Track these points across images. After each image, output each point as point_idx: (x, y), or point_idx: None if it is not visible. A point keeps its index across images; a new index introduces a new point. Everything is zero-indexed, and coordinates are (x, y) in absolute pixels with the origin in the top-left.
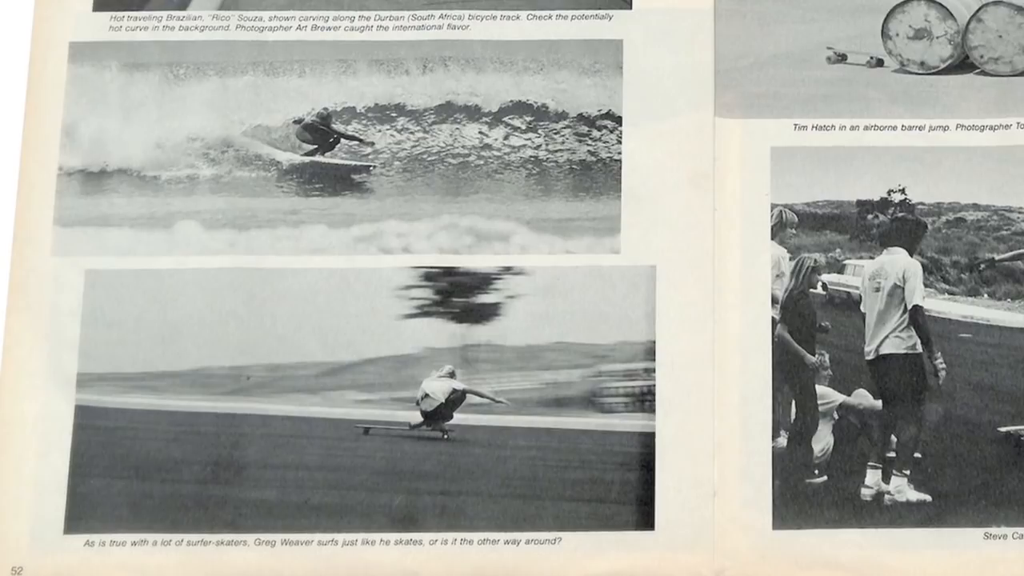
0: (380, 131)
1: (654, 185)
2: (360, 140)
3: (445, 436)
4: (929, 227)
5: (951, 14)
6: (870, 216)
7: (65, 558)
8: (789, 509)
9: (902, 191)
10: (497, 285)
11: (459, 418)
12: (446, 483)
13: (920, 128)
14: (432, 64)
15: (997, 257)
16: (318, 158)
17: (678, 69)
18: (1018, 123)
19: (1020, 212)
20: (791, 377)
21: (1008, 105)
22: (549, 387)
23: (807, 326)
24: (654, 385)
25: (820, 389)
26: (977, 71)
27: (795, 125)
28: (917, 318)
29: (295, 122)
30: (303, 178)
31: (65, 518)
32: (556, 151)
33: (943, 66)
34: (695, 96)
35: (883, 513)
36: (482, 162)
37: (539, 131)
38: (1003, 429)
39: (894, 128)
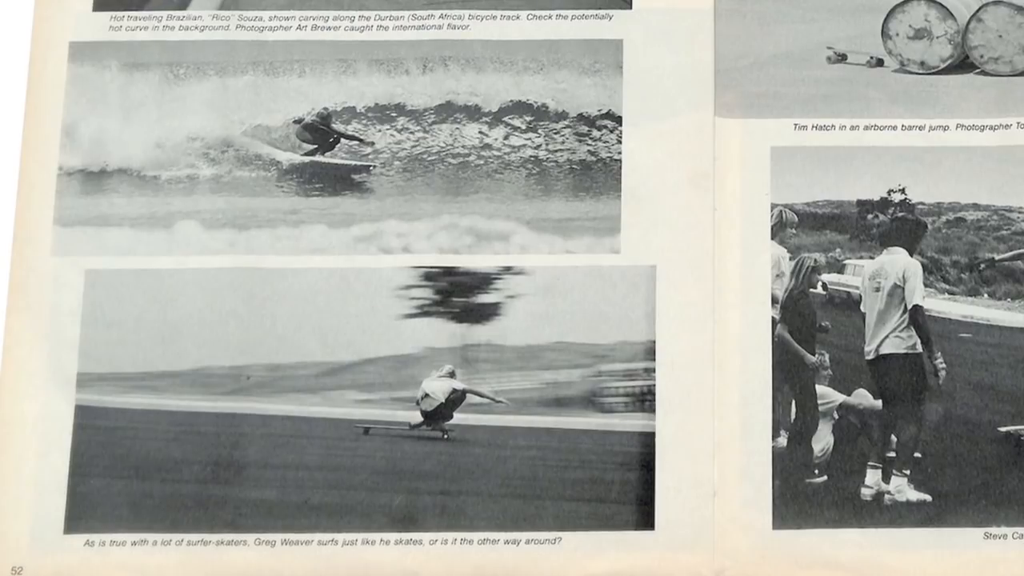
0: (380, 131)
1: (654, 185)
2: (360, 140)
3: (445, 436)
4: (929, 227)
5: (951, 14)
6: (870, 216)
7: (65, 558)
8: (789, 509)
9: (902, 191)
10: (497, 285)
11: (459, 418)
12: (446, 483)
13: (920, 128)
14: (432, 64)
15: (997, 257)
16: (318, 158)
17: (678, 69)
18: (1018, 123)
19: (1020, 212)
20: (791, 377)
21: (1008, 105)
22: (549, 387)
23: (807, 326)
24: (654, 385)
25: (820, 389)
26: (977, 71)
27: (795, 125)
28: (917, 318)
29: (295, 122)
30: (303, 178)
31: (65, 518)
32: (556, 151)
33: (943, 66)
34: (695, 96)
35: (883, 513)
36: (482, 162)
37: (539, 131)
38: (1003, 429)
39: (894, 128)
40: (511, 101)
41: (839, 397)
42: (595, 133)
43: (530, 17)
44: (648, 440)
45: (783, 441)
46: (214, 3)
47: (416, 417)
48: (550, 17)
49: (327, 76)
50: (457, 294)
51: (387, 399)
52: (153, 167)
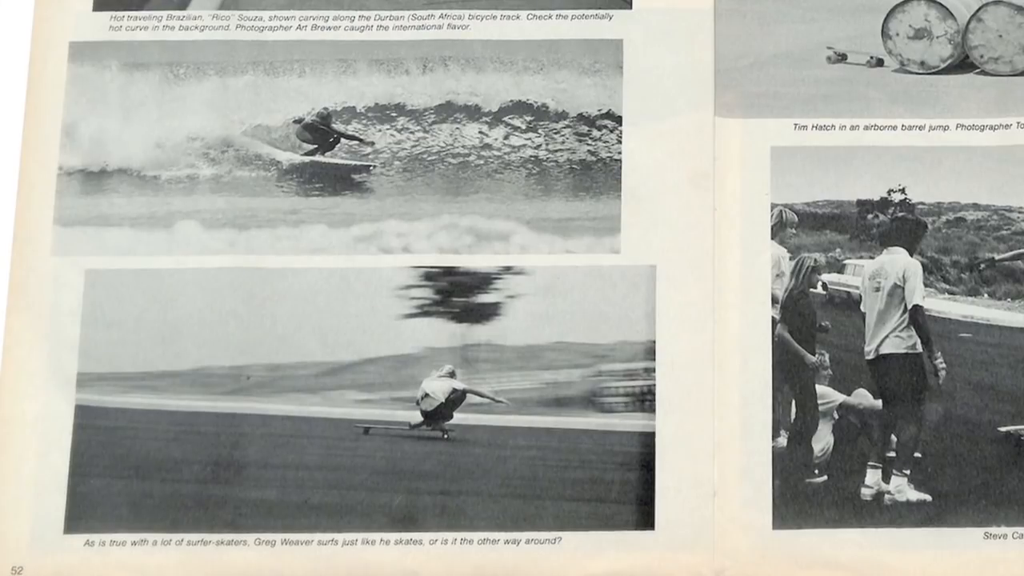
0: (380, 131)
1: (654, 185)
2: (360, 140)
3: (445, 436)
4: (929, 227)
5: (951, 14)
6: (870, 216)
7: (65, 558)
8: (789, 509)
9: (902, 191)
10: (497, 285)
11: (459, 418)
12: (446, 483)
13: (920, 128)
14: (432, 64)
15: (997, 257)
16: (318, 158)
17: (678, 69)
18: (1018, 123)
19: (1020, 212)
20: (791, 377)
21: (1008, 105)
22: (549, 387)
23: (807, 326)
24: (654, 385)
25: (820, 389)
26: (977, 71)
27: (795, 125)
28: (917, 318)
29: (295, 122)
30: (303, 178)
31: (65, 518)
32: (556, 151)
33: (943, 66)
34: (695, 96)
35: (883, 513)
36: (482, 162)
37: (539, 131)
38: (1003, 429)
39: (894, 128)
40: (511, 101)
41: (839, 397)
42: (595, 133)
43: (530, 17)
44: (648, 440)
45: (783, 441)
46: (214, 3)
47: (416, 417)
48: (550, 17)
49: (327, 76)
50: (457, 294)
51: (387, 399)
52: (153, 167)
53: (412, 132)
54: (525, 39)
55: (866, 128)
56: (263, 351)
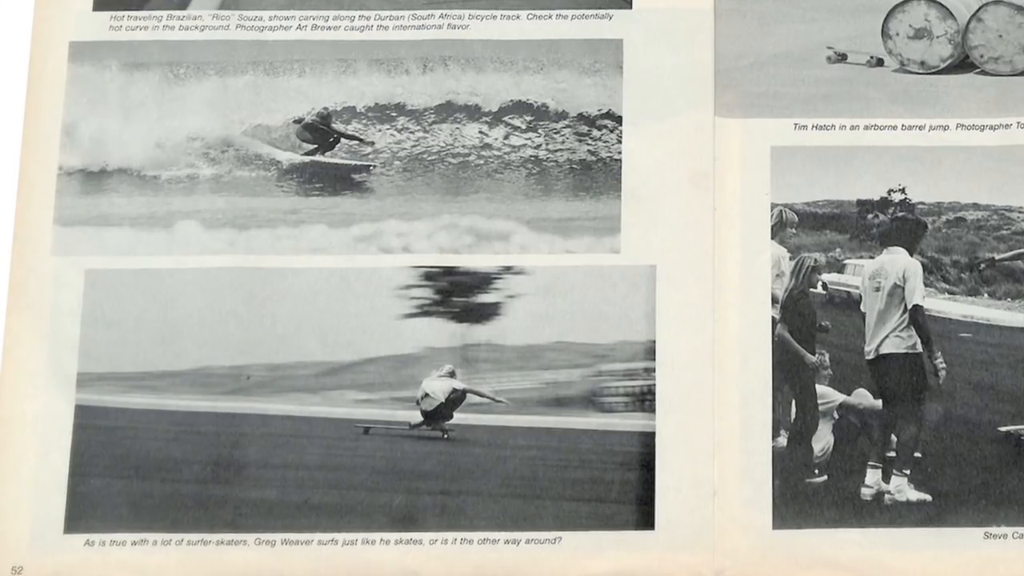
0: (380, 131)
1: (654, 185)
2: (360, 140)
3: (445, 436)
4: (929, 227)
5: (951, 14)
6: (870, 216)
7: (65, 558)
8: (789, 509)
9: (902, 191)
10: (497, 285)
11: (459, 418)
12: (446, 483)
13: (920, 128)
14: (432, 64)
15: (997, 256)
16: (318, 158)
17: (678, 69)
18: (1018, 123)
19: (1020, 212)
20: (791, 377)
21: (1008, 105)
22: (549, 387)
23: (807, 326)
24: (654, 385)
25: (820, 388)
26: (977, 71)
27: (795, 125)
28: (917, 318)
29: (295, 122)
30: (303, 178)
31: (65, 518)
32: (556, 151)
33: (943, 66)
34: (695, 96)
35: (883, 513)
36: (482, 162)
37: (539, 131)
38: (1003, 429)
39: (894, 128)
40: (511, 101)
41: (839, 397)
42: (595, 133)
43: (530, 17)
44: (648, 440)
45: (783, 441)
46: (214, 3)
47: (416, 417)
48: (550, 17)
49: (327, 76)
50: (457, 294)
51: (387, 399)
52: (153, 167)
53: (412, 132)
54: (525, 39)
55: (866, 128)
56: (263, 351)
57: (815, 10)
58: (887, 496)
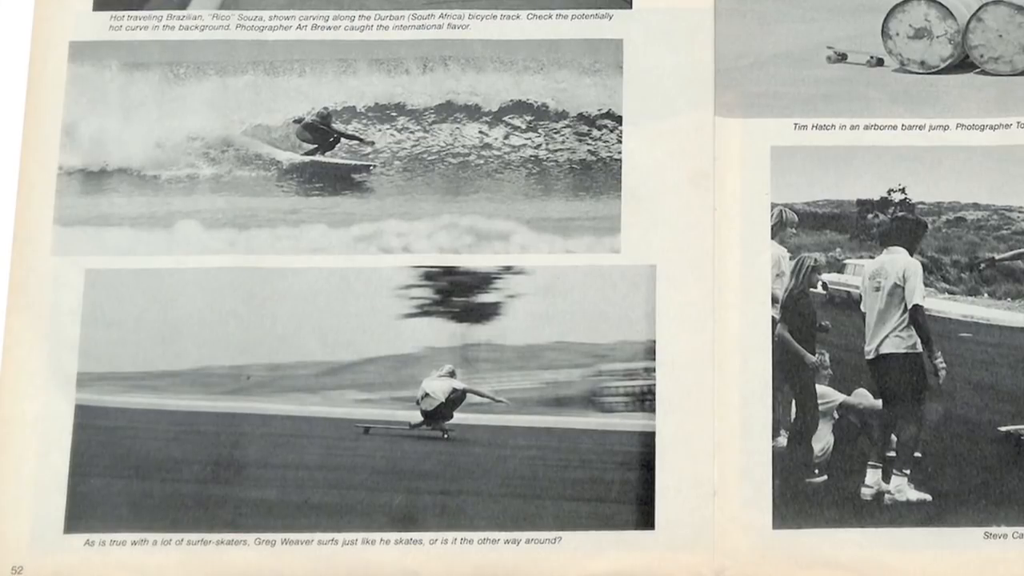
0: (380, 130)
1: (654, 184)
2: (360, 139)
3: (445, 435)
4: (929, 226)
5: (951, 13)
6: (870, 215)
7: (65, 558)
8: (789, 508)
9: (902, 190)
10: (497, 284)
11: (459, 417)
12: (446, 482)
13: (920, 127)
14: (432, 63)
15: (997, 256)
16: (318, 157)
17: (678, 68)
18: (1018, 122)
19: (1020, 211)
20: (791, 376)
21: (1008, 104)
22: (549, 386)
23: (807, 325)
24: (654, 384)
25: (820, 388)
26: (977, 70)
27: (795, 124)
28: (917, 317)
29: (295, 121)
30: (303, 177)
31: (65, 517)
32: (556, 150)
33: (943, 65)
34: (695, 95)
35: (883, 512)
36: (482, 161)
37: (539, 130)
38: (1003, 428)
39: (894, 127)
40: (511, 101)
41: (839, 397)
42: (595, 133)
43: (530, 17)
44: (648, 440)
45: (783, 441)
46: (214, 3)
47: (416, 417)
48: (550, 17)
49: (327, 76)
50: (457, 294)
51: (387, 399)
52: (153, 167)
53: (412, 132)
54: (525, 39)
55: (866, 128)
56: (263, 351)
57: (815, 10)
58: (887, 496)
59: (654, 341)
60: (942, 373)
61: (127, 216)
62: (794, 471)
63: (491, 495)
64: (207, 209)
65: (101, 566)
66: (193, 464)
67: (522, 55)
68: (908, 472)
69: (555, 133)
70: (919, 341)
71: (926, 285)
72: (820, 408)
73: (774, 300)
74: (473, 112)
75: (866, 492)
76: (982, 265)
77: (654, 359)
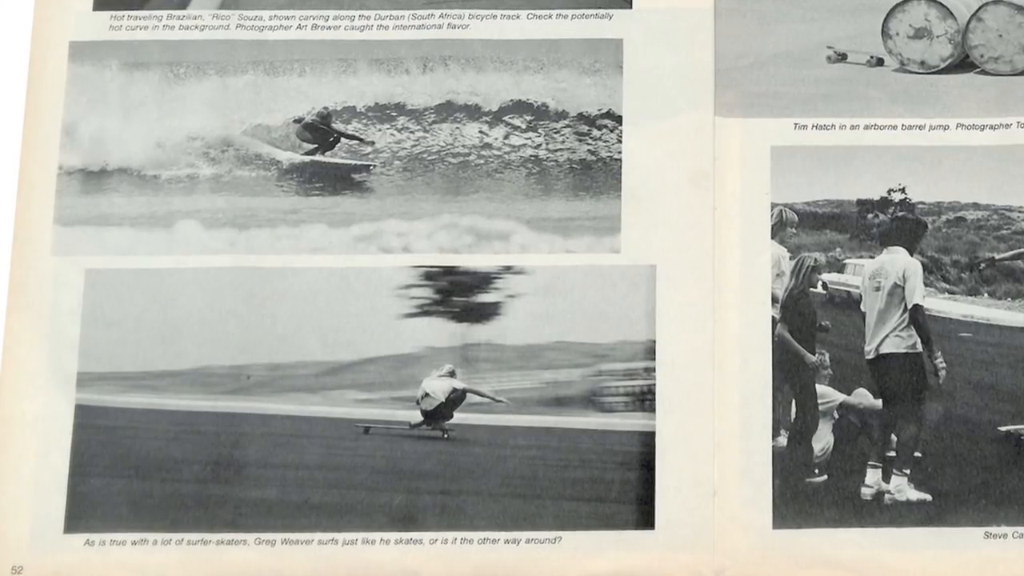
0: (380, 130)
1: (654, 184)
2: (360, 139)
3: (445, 435)
4: (929, 226)
5: (951, 13)
6: (870, 215)
7: (65, 557)
8: (789, 508)
9: (902, 190)
10: (497, 284)
11: (459, 417)
12: (446, 482)
13: (920, 127)
14: (432, 63)
15: (997, 256)
16: (318, 157)
17: (678, 68)
18: (1018, 122)
19: (1020, 211)
20: (791, 376)
21: (1008, 104)
22: (549, 386)
23: (807, 325)
24: (654, 384)
25: (820, 388)
26: (977, 70)
27: (795, 124)
28: (917, 317)
29: (295, 121)
30: (303, 177)
31: (65, 517)
32: (556, 150)
33: (943, 65)
34: (695, 95)
35: (883, 512)
36: (482, 161)
37: (539, 130)
38: (1003, 428)
39: (894, 127)
40: (511, 100)
41: (839, 396)
42: (595, 132)
43: (530, 16)
44: (648, 439)
45: (783, 440)
46: (214, 2)
47: (416, 416)
48: (550, 16)
49: (327, 75)
50: (457, 293)
51: (387, 398)
52: (153, 166)
53: (412, 132)
54: (525, 39)
55: (866, 128)
56: (263, 351)
57: (815, 10)
58: (887, 496)
59: (654, 341)
60: (942, 373)
61: (127, 216)
62: (794, 471)
63: (491, 495)
64: (207, 209)
65: (101, 566)
66: (193, 464)
67: (522, 55)
68: (908, 472)
69: (555, 133)
70: (919, 341)
71: (926, 285)
72: (820, 408)
73: (774, 300)
74: (473, 112)
75: (866, 492)
76: (982, 265)
77: (654, 359)
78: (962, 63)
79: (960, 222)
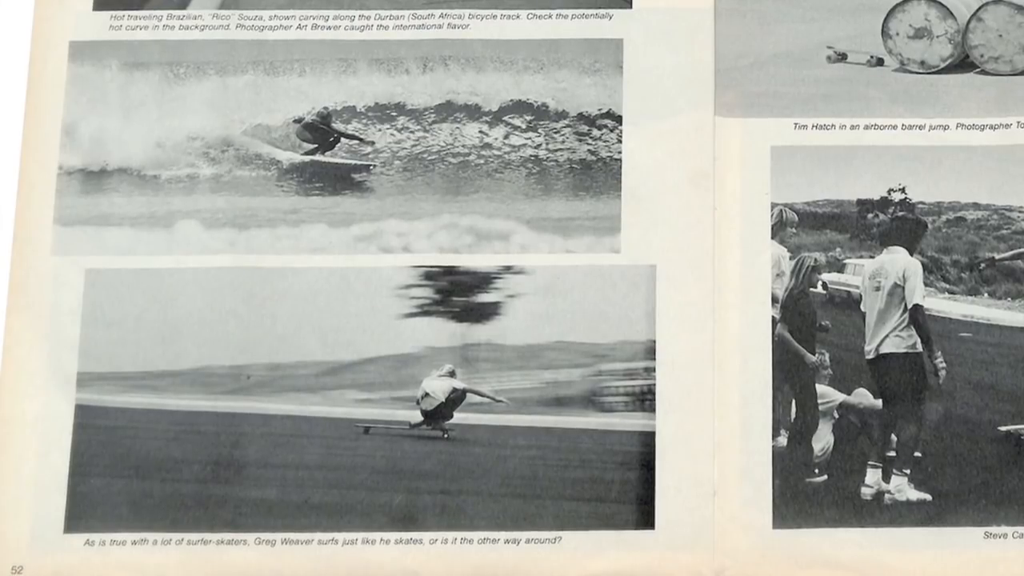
0: (380, 130)
1: (654, 184)
2: (360, 139)
3: (445, 435)
4: (929, 226)
5: (951, 13)
6: (870, 215)
7: (65, 557)
8: (789, 508)
9: (902, 190)
10: (497, 284)
11: (459, 417)
12: (446, 482)
13: (920, 127)
14: (432, 63)
15: (997, 256)
16: (318, 157)
17: (678, 68)
18: (1018, 122)
19: (1020, 211)
20: (791, 376)
21: (1008, 104)
22: (549, 386)
23: (807, 325)
24: (654, 384)
25: (820, 388)
26: (977, 70)
27: (795, 124)
28: (917, 317)
29: (295, 121)
30: (303, 177)
31: (65, 517)
32: (556, 150)
33: (943, 65)
34: (695, 95)
35: (883, 512)
36: (482, 161)
37: (539, 130)
38: (1003, 428)
39: (894, 127)
40: (511, 100)
41: (839, 396)
42: (595, 132)
43: (530, 16)
44: (648, 439)
45: (783, 440)
46: (214, 2)
47: (416, 416)
48: (550, 16)
49: (327, 75)
50: (457, 293)
51: (387, 398)
52: (153, 166)
53: (412, 131)
54: (525, 38)
55: (866, 128)
56: (263, 351)
57: (815, 10)
58: (887, 496)
59: (654, 341)
60: (942, 373)
61: (127, 216)
62: (794, 471)
63: (491, 495)
64: (207, 209)
65: (101, 566)
66: (193, 464)
67: (522, 55)
68: (908, 472)
69: (555, 133)
70: (919, 341)
71: (926, 285)
72: (820, 408)
73: (774, 300)
74: (473, 112)
75: (866, 492)
76: (982, 265)
77: (654, 359)
78: (962, 63)
79: (960, 222)
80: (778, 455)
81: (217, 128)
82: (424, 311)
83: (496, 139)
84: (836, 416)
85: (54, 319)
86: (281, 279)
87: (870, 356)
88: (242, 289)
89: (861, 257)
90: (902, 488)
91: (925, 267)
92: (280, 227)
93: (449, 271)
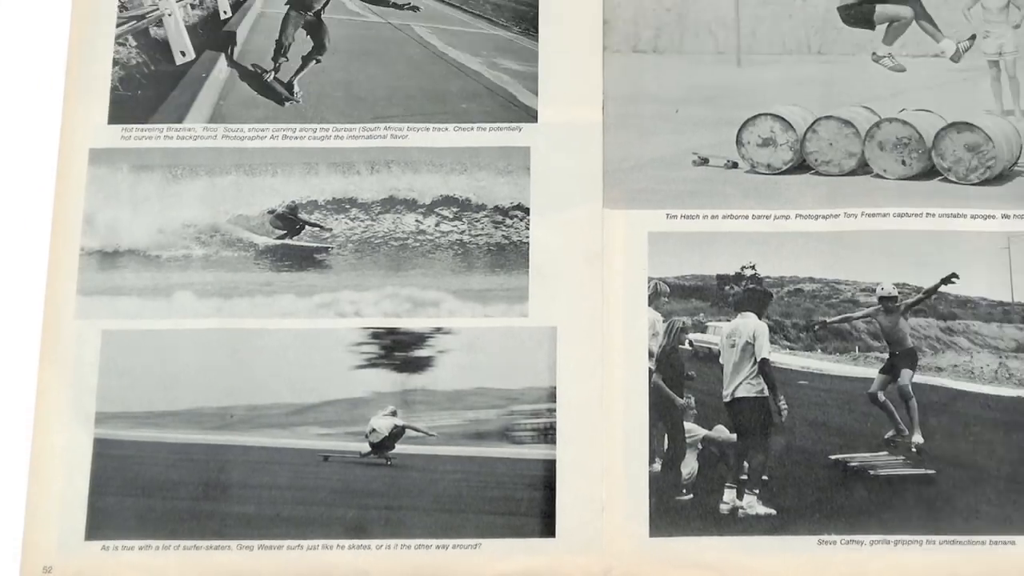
0: (337, 219)
1: (555, 263)
2: (321, 227)
3: (388, 463)
4: (774, 296)
5: (792, 126)
6: (727, 287)
7: (86, 560)
8: (663, 520)
9: (752, 267)
10: (430, 342)
11: (400, 448)
12: (390, 500)
13: (767, 217)
14: (378, 166)
15: (828, 320)
16: (287, 241)
17: (574, 170)
18: (845, 213)
19: (847, 284)
20: (664, 415)
21: (837, 199)
22: (471, 423)
23: (677, 375)
24: (555, 422)
25: (687, 425)
26: (812, 172)
27: (667, 215)
28: (765, 368)
29: (269, 212)
30: (276, 257)
31: (86, 527)
32: (477, 235)
33: (785, 168)
34: (588, 191)
35: (738, 523)
36: (418, 244)
37: (463, 219)
38: (833, 457)
39: (746, 217)
40: (441, 196)
41: (702, 431)
42: (508, 221)
43: (456, 128)
44: (550, 466)
45: (658, 467)
46: (205, 117)
47: (365, 447)
48: (472, 129)
49: (294, 176)
50: (398, 349)
51: (342, 433)
52: (156, 248)
53: (362, 220)
54: (452, 146)
55: (724, 217)
56: (244, 395)
57: (683, 123)
58: (740, 511)
59: (555, 387)
60: (784, 413)
61: (135, 287)
62: (666, 491)
63: (425, 510)
64: (199, 282)
65: (115, 566)
66: (188, 485)
67: (450, 159)
68: (757, 492)
69: (476, 221)
70: (766, 387)
71: (772, 342)
72: (687, 441)
73: (651, 355)
74: (411, 205)
75: (724, 507)
76: (816, 327)
77: (555, 401)
78: (800, 166)
79: (799, 292)
80: (654, 478)
81: (207, 218)
82: (372, 364)
83: (429, 226)
84: (700, 447)
85: (77, 370)
86: (258, 338)
87: (727, 399)
88: (227, 346)
89: (720, 320)
90: (752, 504)
91: (771, 328)
92: (257, 296)
93: (392, 332)
